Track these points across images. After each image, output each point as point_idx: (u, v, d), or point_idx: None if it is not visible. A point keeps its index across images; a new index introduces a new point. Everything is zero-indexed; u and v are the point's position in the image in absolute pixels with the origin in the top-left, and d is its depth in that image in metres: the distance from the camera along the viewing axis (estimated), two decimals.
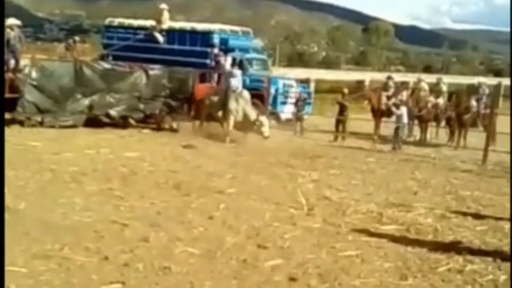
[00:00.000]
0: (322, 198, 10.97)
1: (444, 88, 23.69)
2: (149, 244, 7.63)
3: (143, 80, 19.30)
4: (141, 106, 19.17)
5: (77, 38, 28.03)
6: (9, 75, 17.48)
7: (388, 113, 20.09)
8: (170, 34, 23.73)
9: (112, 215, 8.92)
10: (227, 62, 21.48)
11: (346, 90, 21.00)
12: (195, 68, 20.53)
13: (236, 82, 18.85)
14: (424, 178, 13.86)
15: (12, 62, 18.19)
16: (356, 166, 14.81)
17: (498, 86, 21.77)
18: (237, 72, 19.47)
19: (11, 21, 18.57)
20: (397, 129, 18.15)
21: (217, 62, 21.76)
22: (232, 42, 23.43)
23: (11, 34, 18.14)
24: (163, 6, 24.18)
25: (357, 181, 12.98)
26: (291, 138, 18.89)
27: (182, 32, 23.83)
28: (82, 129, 17.55)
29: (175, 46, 23.18)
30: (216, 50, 22.38)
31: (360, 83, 37.14)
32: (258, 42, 28.66)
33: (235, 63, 22.21)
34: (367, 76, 39.98)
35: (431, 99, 20.67)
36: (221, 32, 23.70)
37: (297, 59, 71.39)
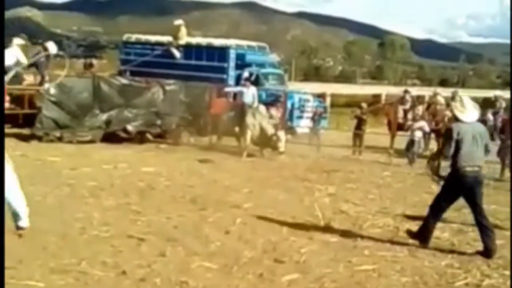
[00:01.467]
0: (339, 212, 10.96)
1: None
2: (166, 259, 7.65)
3: (160, 96, 19.39)
4: (158, 121, 19.25)
5: (94, 61, 28.23)
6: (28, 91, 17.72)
7: (405, 127, 20.04)
8: (187, 49, 23.91)
9: (129, 230, 8.96)
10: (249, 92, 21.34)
11: (364, 105, 21.00)
12: (212, 83, 20.62)
13: (250, 97, 18.91)
14: None
15: (38, 78, 18.52)
16: (373, 180, 14.79)
17: None
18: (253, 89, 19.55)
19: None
20: (412, 143, 18.11)
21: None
22: (249, 57, 23.61)
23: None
24: (180, 22, 24.40)
25: (373, 195, 12.95)
26: (307, 153, 18.87)
27: (199, 47, 24.03)
28: (100, 144, 17.67)
29: (192, 62, 23.36)
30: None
31: (376, 97, 37.12)
32: (274, 57, 28.84)
33: (251, 78, 22.36)
34: (383, 90, 39.97)
35: (448, 113, 20.57)
36: (238, 47, 23.87)
37: (313, 74, 71.60)
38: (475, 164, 8.68)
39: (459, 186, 8.86)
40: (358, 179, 14.85)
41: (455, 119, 8.91)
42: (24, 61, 17.21)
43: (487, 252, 8.74)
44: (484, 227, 8.91)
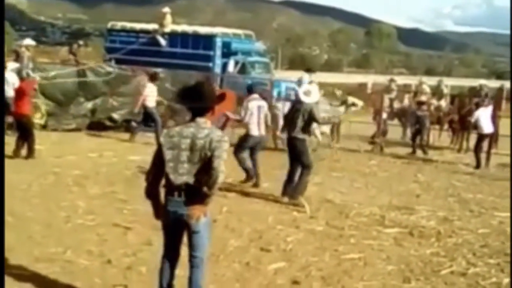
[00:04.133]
0: (325, 201, 10.98)
1: (446, 90, 23.68)
2: (152, 247, 7.61)
3: (145, 84, 19.29)
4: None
5: (81, 42, 28.04)
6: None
7: (391, 116, 20.00)
8: (173, 37, 23.77)
9: (115, 218, 8.95)
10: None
11: (338, 92, 20.88)
12: (198, 71, 20.51)
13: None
14: (426, 181, 13.85)
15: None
16: (359, 169, 14.80)
17: (500, 89, 21.78)
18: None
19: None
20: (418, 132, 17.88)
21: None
22: (234, 46, 23.50)
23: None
24: (166, 9, 24.27)
25: (359, 184, 12.99)
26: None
27: (184, 35, 23.90)
28: (85, 133, 17.60)
29: (178, 50, 23.25)
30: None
31: (362, 86, 37.12)
32: (260, 45, 28.67)
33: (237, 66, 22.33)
34: (370, 79, 39.95)
35: (434, 101, 20.65)
36: (224, 35, 23.77)
37: (299, 62, 71.42)
38: None
39: None
40: (344, 168, 14.86)
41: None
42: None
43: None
44: None
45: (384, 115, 18.66)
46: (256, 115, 11.78)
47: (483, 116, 16.42)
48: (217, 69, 22.80)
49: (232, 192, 11.08)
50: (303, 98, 10.83)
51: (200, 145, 5.14)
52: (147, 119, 17.18)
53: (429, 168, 15.79)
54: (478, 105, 17.17)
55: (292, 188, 10.75)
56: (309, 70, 19.66)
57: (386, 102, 20.04)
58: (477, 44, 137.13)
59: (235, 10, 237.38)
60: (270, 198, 10.92)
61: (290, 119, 11.01)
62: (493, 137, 17.35)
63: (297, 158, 10.83)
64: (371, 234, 9.08)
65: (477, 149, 16.29)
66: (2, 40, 9.41)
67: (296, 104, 11.03)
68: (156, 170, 5.38)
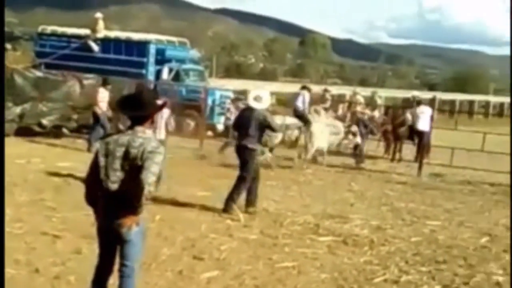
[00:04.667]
0: (259, 209, 10.89)
1: (379, 101, 24.03)
2: (82, 256, 7.43)
3: (77, 89, 19.02)
4: (75, 115, 18.85)
5: (8, 46, 27.37)
6: None
7: None
8: (106, 43, 23.39)
9: (43, 227, 8.70)
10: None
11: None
12: (131, 78, 20.21)
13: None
14: (360, 190, 13.98)
15: None
16: (293, 178, 14.80)
17: (433, 100, 22.19)
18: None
19: None
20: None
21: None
22: (168, 53, 23.32)
23: None
24: (98, 15, 23.87)
25: (294, 192, 12.98)
26: (230, 149, 18.75)
27: (117, 41, 23.56)
28: (13, 138, 17.09)
29: (111, 56, 22.88)
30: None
31: (297, 95, 37.25)
32: (195, 53, 28.63)
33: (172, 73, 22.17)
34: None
35: (367, 112, 20.88)
36: (158, 42, 23.56)
37: (235, 71, 71.56)
38: None
39: None
40: (278, 176, 14.83)
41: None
42: None
43: None
44: None
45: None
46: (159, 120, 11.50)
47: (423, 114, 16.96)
48: (151, 76, 22.53)
49: (165, 200, 10.89)
50: (253, 104, 10.54)
51: (133, 154, 5.02)
52: (95, 124, 16.92)
53: (363, 177, 15.96)
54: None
55: (229, 197, 10.52)
56: (304, 87, 19.45)
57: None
58: (409, 56, 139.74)
59: (170, 18, 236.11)
60: (204, 207, 10.78)
61: (239, 126, 10.73)
62: (426, 147, 17.73)
63: (241, 166, 10.56)
64: (305, 243, 9.06)
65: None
66: (3, 39, 9.09)
67: (245, 111, 10.76)
68: (94, 177, 5.21)
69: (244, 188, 10.56)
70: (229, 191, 10.58)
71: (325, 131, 16.79)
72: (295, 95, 18.98)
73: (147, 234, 8.41)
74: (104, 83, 17.10)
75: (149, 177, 4.87)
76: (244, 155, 10.47)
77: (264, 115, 10.44)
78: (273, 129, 11.02)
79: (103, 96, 16.74)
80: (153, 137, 5.25)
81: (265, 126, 10.51)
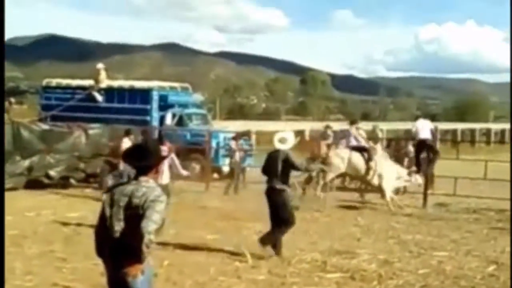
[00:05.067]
0: (267, 249, 10.96)
1: (380, 134, 24.12)
2: None
3: (82, 140, 19.25)
4: (82, 165, 19.07)
5: (12, 99, 27.68)
6: None
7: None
8: (109, 92, 23.76)
9: (54, 278, 8.78)
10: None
11: None
12: (135, 125, 20.44)
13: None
14: (366, 224, 14.03)
15: None
16: (300, 215, 14.85)
17: (434, 130, 22.22)
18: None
19: None
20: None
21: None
22: (171, 98, 23.64)
23: None
24: (100, 65, 24.30)
25: (301, 229, 13.05)
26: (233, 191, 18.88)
27: (121, 90, 23.95)
28: (22, 191, 17.29)
29: (115, 104, 23.22)
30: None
31: (300, 133, 37.46)
32: (197, 97, 28.89)
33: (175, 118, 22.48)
34: (307, 126, 40.42)
35: (371, 144, 20.98)
36: (160, 88, 23.90)
37: (238, 112, 71.95)
38: None
39: None
40: None
41: None
42: None
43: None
44: None
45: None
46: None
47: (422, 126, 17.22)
48: (155, 122, 22.82)
49: (174, 244, 11.00)
50: (278, 145, 10.57)
51: (135, 204, 5.12)
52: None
53: (369, 211, 16.01)
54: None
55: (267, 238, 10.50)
56: (353, 122, 19.57)
57: (323, 148, 20.28)
58: (409, 88, 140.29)
59: (172, 64, 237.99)
60: (212, 249, 10.87)
61: (266, 168, 10.74)
62: (430, 178, 17.81)
63: (275, 211, 10.50)
64: (313, 280, 9.13)
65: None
66: (3, 40, 9.29)
67: (272, 154, 10.76)
68: (101, 227, 5.34)
69: (279, 233, 10.52)
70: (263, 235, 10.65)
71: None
72: (343, 134, 19.23)
73: (155, 280, 8.57)
74: (127, 133, 17.18)
75: (149, 226, 4.93)
76: (274, 197, 10.47)
77: (287, 154, 10.46)
78: (296, 168, 10.95)
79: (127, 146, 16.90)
80: (156, 186, 5.31)
81: (288, 165, 10.47)
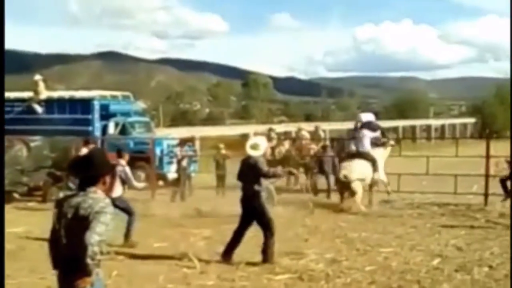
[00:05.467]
0: (215, 254, 10.98)
1: (323, 134, 24.38)
2: None
3: (24, 153, 18.93)
4: (24, 179, 18.74)
5: None
6: None
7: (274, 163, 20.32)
8: (49, 104, 23.40)
9: None
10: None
11: (221, 146, 20.90)
12: (77, 136, 20.21)
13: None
14: (314, 224, 14.16)
15: None
16: None
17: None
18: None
19: None
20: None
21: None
22: (113, 107, 23.42)
23: None
24: (37, 77, 23.94)
25: (249, 233, 13.07)
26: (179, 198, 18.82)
27: (61, 101, 23.63)
28: None
29: (56, 116, 22.86)
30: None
31: (244, 136, 37.55)
32: (139, 105, 28.74)
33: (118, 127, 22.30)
34: (251, 129, 40.56)
35: (313, 146, 21.22)
36: (101, 98, 23.67)
37: (181, 118, 71.60)
38: None
39: None
40: (232, 219, 14.90)
41: None
42: None
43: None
44: None
45: None
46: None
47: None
48: (97, 132, 22.57)
49: (122, 254, 10.94)
50: (250, 151, 10.55)
51: (82, 215, 5.04)
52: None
53: (316, 211, 16.13)
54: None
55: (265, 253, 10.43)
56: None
57: (268, 150, 20.37)
58: (349, 88, 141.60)
59: (112, 72, 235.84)
60: (161, 257, 10.84)
61: (241, 175, 10.73)
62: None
63: (256, 217, 10.54)
64: (262, 283, 9.20)
65: None
66: (2, 41, 9.05)
67: (245, 160, 10.69)
68: (52, 240, 5.28)
69: (270, 237, 10.52)
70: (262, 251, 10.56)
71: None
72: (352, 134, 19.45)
73: None
74: (86, 143, 16.98)
75: (92, 237, 4.86)
76: (250, 203, 10.49)
77: (256, 160, 10.43)
78: (264, 175, 10.66)
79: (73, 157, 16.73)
80: (103, 198, 5.21)
81: (257, 171, 10.43)
